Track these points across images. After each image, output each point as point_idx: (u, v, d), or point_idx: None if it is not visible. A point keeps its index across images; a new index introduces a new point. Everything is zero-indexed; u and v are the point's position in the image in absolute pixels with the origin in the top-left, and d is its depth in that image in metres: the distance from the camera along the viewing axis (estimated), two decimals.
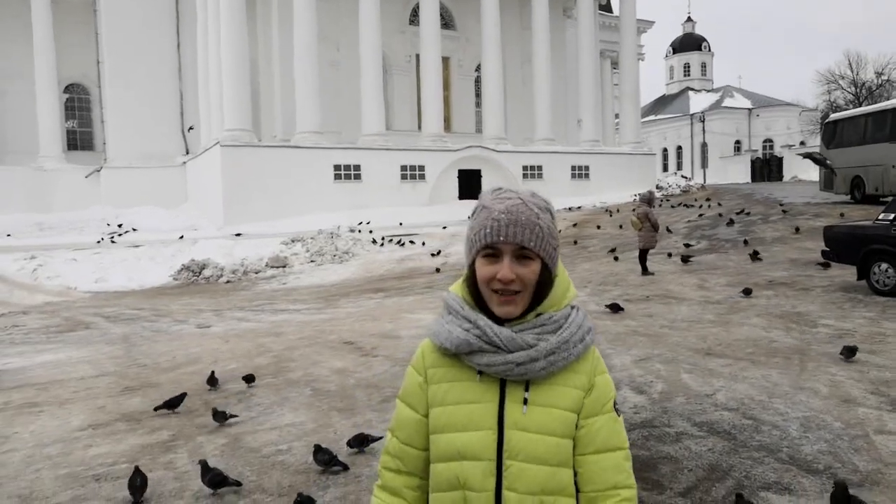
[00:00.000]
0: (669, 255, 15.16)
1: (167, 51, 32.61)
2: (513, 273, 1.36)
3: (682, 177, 42.32)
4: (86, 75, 35.08)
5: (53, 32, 32.32)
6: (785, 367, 6.28)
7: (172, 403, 5.87)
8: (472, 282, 1.44)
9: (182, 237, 21.72)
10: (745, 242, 15.99)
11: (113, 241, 21.63)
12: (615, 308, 9.44)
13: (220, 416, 5.43)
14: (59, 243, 21.31)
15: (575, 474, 1.42)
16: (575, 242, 19.41)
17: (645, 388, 5.90)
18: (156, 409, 5.88)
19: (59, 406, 6.38)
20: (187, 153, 32.53)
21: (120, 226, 25.96)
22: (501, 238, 1.36)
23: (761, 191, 29.95)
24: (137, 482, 4.10)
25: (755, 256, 13.81)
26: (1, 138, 32.46)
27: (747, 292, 10.07)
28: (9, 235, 24.91)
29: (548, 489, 1.36)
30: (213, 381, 6.61)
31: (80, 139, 36.58)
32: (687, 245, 16.70)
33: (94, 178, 31.82)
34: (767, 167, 53.72)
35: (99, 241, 21.69)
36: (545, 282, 1.42)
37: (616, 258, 15.77)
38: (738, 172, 57.10)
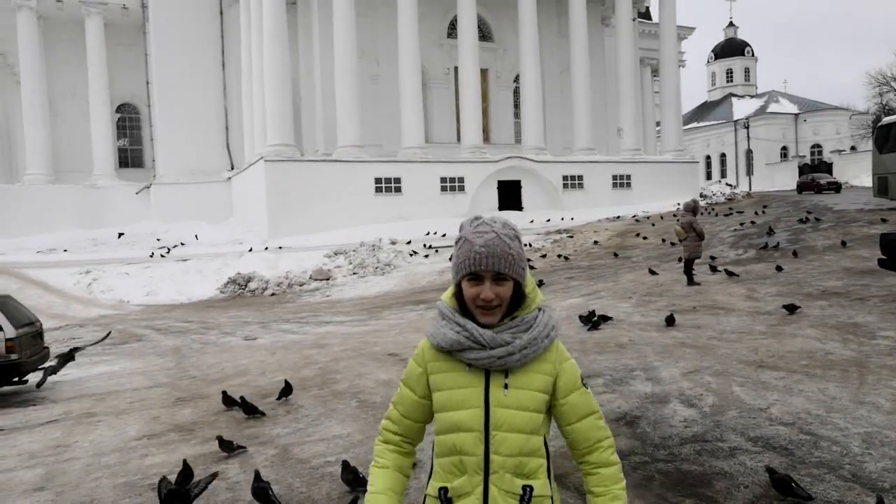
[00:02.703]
0: (713, 269, 14.48)
1: (212, 70, 33.55)
2: (493, 293, 1.73)
3: (727, 185, 41.44)
4: (136, 95, 36.36)
5: (106, 55, 33.64)
6: (843, 381, 6.06)
7: (286, 392, 6.65)
8: (459, 295, 1.79)
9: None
10: (795, 254, 15.43)
11: (163, 256, 22.25)
12: (671, 321, 9.19)
13: (227, 446, 5.19)
14: (111, 258, 22.04)
15: (563, 452, 1.84)
16: (615, 255, 19.04)
17: (695, 401, 5.77)
18: (277, 398, 6.67)
19: (116, 416, 6.57)
20: (232, 168, 33.32)
21: (163, 247, 26.67)
22: (482, 267, 1.72)
23: (810, 198, 29.12)
24: (180, 477, 4.35)
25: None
26: (57, 157, 33.80)
27: (791, 309, 9.40)
28: (65, 251, 25.86)
29: (524, 451, 1.74)
30: (230, 401, 6.52)
31: (130, 157, 37.90)
32: (712, 258, 15.93)
33: (144, 194, 32.85)
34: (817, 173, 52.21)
35: (151, 256, 22.36)
36: (518, 294, 1.78)
37: (652, 271, 15.47)
38: (785, 179, 55.68)
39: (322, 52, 30.15)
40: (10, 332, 7.65)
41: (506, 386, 1.75)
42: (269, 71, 27.14)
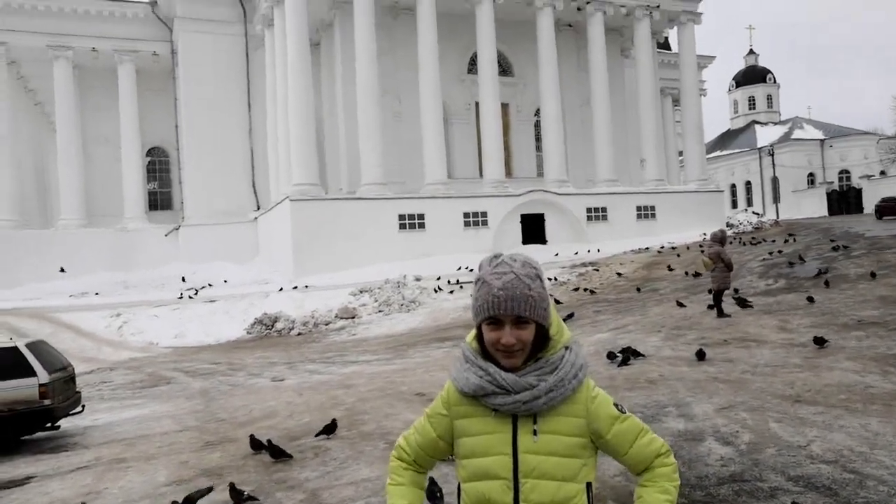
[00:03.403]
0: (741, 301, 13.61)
1: (239, 112, 34.37)
2: (513, 338, 1.67)
3: (754, 213, 40.97)
4: (165, 139, 37.34)
5: (137, 100, 34.72)
6: (886, 415, 5.86)
7: (329, 429, 6.77)
8: (480, 338, 1.75)
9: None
10: (827, 284, 14.97)
11: (191, 298, 22.53)
12: (701, 355, 9.01)
13: (237, 496, 5.00)
14: (141, 300, 22.38)
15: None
16: (638, 290, 18.52)
17: (731, 438, 5.61)
18: (316, 435, 6.77)
19: (146, 461, 6.59)
20: (258, 208, 33.84)
21: (191, 288, 27.05)
22: (501, 311, 1.66)
23: (840, 225, 28.61)
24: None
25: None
26: (89, 201, 34.67)
27: (819, 342, 8.98)
28: (97, 294, 26.35)
29: (556, 499, 1.68)
30: (258, 445, 6.48)
31: (160, 199, 38.79)
32: (736, 290, 14.98)
33: (172, 236, 33.45)
34: (845, 200, 51.39)
35: (179, 297, 22.68)
36: (541, 335, 1.72)
37: (680, 304, 15.23)
38: (813, 206, 54.88)
39: (345, 91, 30.72)
40: (44, 377, 7.76)
41: (535, 432, 1.69)
42: (294, 111, 27.72)
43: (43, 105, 39.38)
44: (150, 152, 38.08)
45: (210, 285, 26.56)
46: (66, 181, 33.49)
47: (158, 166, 38.84)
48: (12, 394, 7.64)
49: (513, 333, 1.67)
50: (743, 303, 13.25)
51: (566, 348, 1.76)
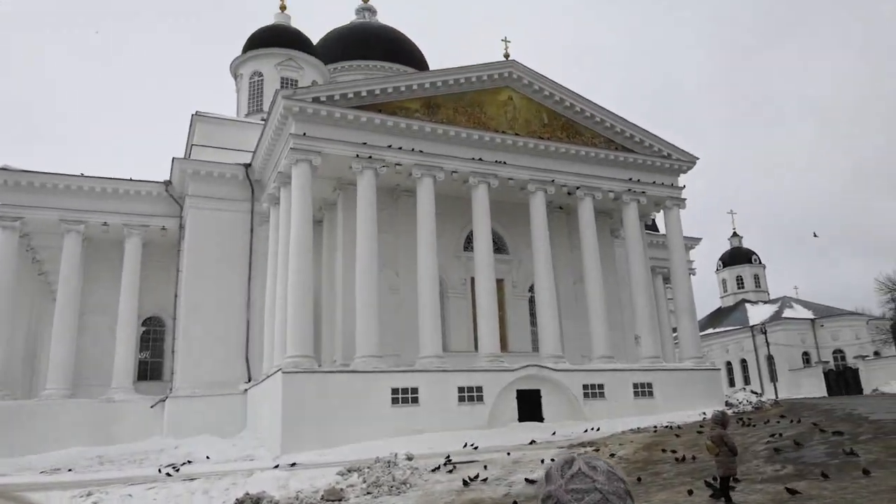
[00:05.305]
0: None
1: (238, 284, 34.89)
2: None
3: (752, 392, 40.27)
4: (163, 309, 37.56)
5: (139, 271, 35.40)
6: None
7: None
8: None
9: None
10: (824, 475, 14.12)
11: (169, 475, 21.36)
12: None
13: None
14: (117, 477, 21.14)
15: None
16: (638, 480, 17.96)
17: None
18: None
19: None
20: (249, 380, 33.21)
21: (171, 464, 25.81)
22: None
23: (842, 405, 28.03)
24: None
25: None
26: (78, 372, 34.00)
27: None
28: (70, 470, 24.94)
29: None
30: None
31: (150, 369, 38.16)
32: (736, 479, 13.56)
33: (158, 407, 32.48)
34: (843, 380, 51.00)
35: (159, 472, 21.53)
36: None
37: (689, 492, 14.47)
38: (811, 385, 54.27)
39: (344, 265, 31.49)
40: None
41: None
42: (293, 284, 28.18)
43: (47, 275, 40.17)
44: (146, 322, 38.11)
45: (190, 462, 25.24)
46: (56, 352, 33.08)
47: (153, 335, 38.70)
48: None
49: None
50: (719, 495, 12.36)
51: None
